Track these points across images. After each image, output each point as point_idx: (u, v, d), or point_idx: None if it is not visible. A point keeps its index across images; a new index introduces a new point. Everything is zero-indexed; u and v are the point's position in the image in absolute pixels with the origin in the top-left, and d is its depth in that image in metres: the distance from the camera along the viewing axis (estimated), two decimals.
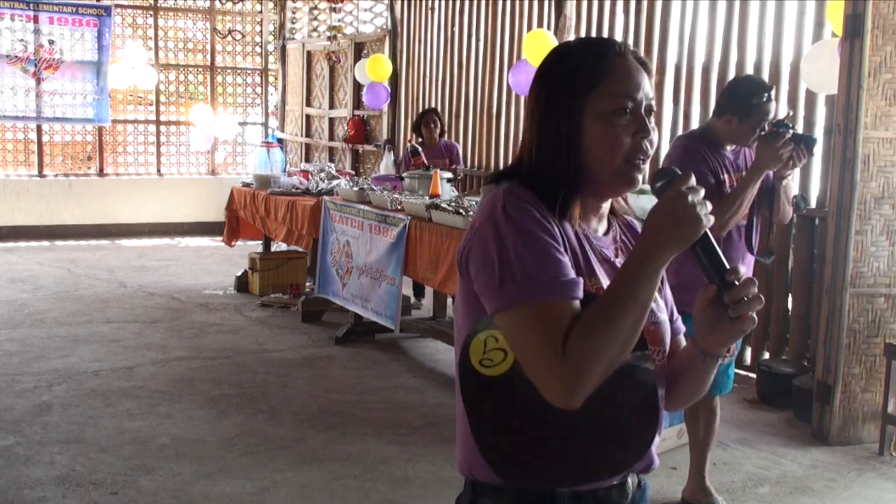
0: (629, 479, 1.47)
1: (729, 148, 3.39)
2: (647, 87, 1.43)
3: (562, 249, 1.35)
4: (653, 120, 1.43)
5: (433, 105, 9.02)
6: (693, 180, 1.29)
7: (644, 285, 1.27)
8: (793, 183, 3.40)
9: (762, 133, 3.27)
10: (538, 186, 1.41)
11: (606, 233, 1.51)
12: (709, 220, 1.28)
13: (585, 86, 1.40)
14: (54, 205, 10.74)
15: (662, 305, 1.51)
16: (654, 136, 1.43)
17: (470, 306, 1.42)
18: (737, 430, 4.58)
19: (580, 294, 1.32)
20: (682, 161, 3.28)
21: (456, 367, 1.48)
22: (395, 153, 9.52)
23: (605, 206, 1.51)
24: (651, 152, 1.42)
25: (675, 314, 1.62)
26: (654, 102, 1.45)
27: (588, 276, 1.40)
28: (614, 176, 1.41)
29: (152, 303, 7.20)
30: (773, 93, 3.35)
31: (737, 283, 1.32)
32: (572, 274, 1.33)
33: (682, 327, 1.63)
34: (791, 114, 3.52)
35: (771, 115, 3.30)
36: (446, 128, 7.25)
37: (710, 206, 1.28)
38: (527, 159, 1.46)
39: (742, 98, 3.30)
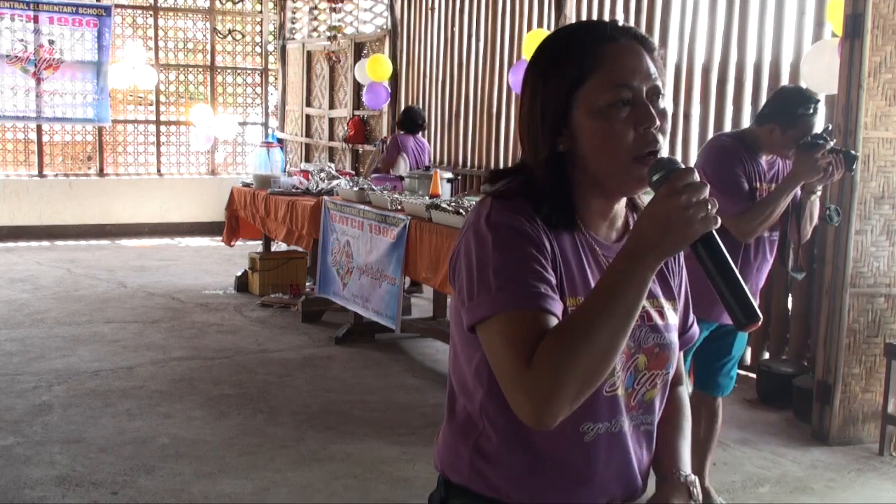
0: None
1: (764, 158, 3.32)
2: (648, 68, 1.28)
3: (546, 264, 1.25)
4: (662, 102, 1.28)
5: (434, 105, 9.03)
6: (695, 176, 1.15)
7: (627, 292, 1.16)
8: (818, 202, 3.36)
9: (801, 143, 3.22)
10: (532, 190, 1.31)
11: (621, 238, 1.38)
12: (708, 223, 1.14)
13: (573, 81, 1.28)
14: (54, 205, 10.74)
15: (672, 323, 1.40)
16: (666, 121, 1.28)
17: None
18: (737, 430, 4.58)
19: (557, 311, 1.22)
20: (720, 159, 3.23)
21: (454, 373, 1.42)
22: None
23: (618, 207, 1.37)
24: (663, 142, 1.27)
25: (691, 319, 1.52)
26: (660, 82, 1.29)
27: (584, 293, 1.29)
28: (622, 176, 1.28)
29: (152, 303, 7.20)
30: (819, 105, 3.28)
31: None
32: (553, 291, 1.23)
33: (695, 335, 1.52)
34: (831, 127, 3.48)
35: (815, 129, 3.23)
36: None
37: (714, 207, 1.15)
38: (525, 160, 1.36)
39: (787, 108, 3.22)
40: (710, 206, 1.15)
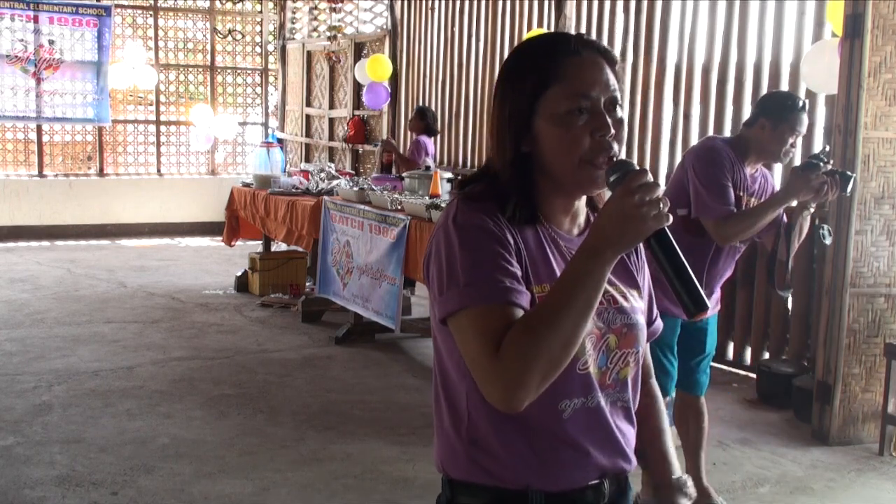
0: (606, 481, 1.46)
1: (749, 170, 3.35)
2: (607, 80, 1.38)
3: (511, 259, 1.34)
4: (619, 112, 1.38)
5: (434, 105, 9.03)
6: (649, 177, 1.25)
7: (586, 285, 1.25)
8: (809, 219, 3.36)
9: (796, 166, 3.24)
10: (497, 191, 1.40)
11: (582, 232, 1.48)
12: (660, 220, 1.24)
13: (536, 88, 1.38)
14: (54, 205, 10.73)
15: (638, 307, 1.49)
16: (622, 129, 1.38)
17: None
18: (737, 430, 4.58)
19: (524, 303, 1.31)
20: (712, 160, 3.25)
21: (436, 368, 1.48)
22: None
23: (579, 204, 1.48)
24: (616, 149, 1.37)
25: (655, 313, 1.61)
26: (618, 93, 1.39)
27: (549, 281, 1.38)
28: (577, 177, 1.38)
29: (152, 303, 7.20)
30: (806, 103, 3.32)
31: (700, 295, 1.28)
32: (518, 284, 1.32)
33: (659, 328, 1.62)
34: (828, 148, 3.50)
35: (803, 127, 3.28)
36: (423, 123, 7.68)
37: (665, 206, 1.24)
38: (492, 161, 1.46)
39: (777, 104, 3.29)
40: (661, 205, 1.24)
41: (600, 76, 1.37)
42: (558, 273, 1.39)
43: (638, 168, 1.28)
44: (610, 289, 1.43)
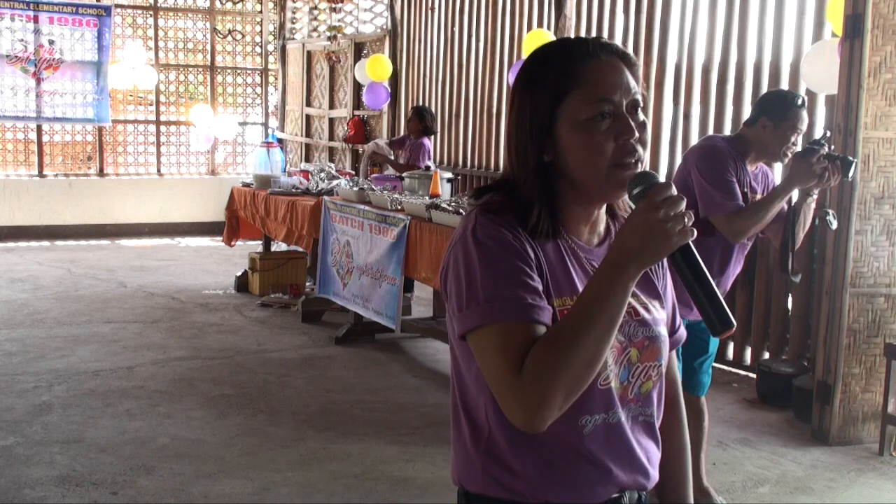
0: (626, 494, 1.42)
1: (750, 168, 3.36)
2: (627, 82, 1.35)
3: (532, 273, 1.30)
4: (641, 114, 1.35)
5: (434, 105, 9.03)
6: (672, 190, 1.22)
7: (610, 302, 1.22)
8: (813, 206, 3.36)
9: (797, 152, 3.25)
10: (517, 202, 1.37)
11: (602, 242, 1.45)
12: (685, 235, 1.21)
13: (555, 95, 1.34)
14: (54, 205, 10.74)
15: (660, 318, 1.45)
16: (645, 132, 1.35)
17: None
18: (737, 430, 4.58)
19: (545, 319, 1.28)
20: (715, 158, 3.25)
21: (454, 380, 1.46)
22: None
23: (599, 213, 1.44)
24: (642, 152, 1.34)
25: (678, 322, 1.56)
26: (639, 96, 1.36)
27: (570, 294, 1.35)
28: (603, 183, 1.35)
29: (152, 303, 7.20)
30: (806, 101, 3.33)
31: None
32: (540, 299, 1.29)
33: (682, 337, 1.58)
34: (829, 134, 3.50)
35: (804, 125, 3.28)
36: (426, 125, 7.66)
37: (690, 220, 1.21)
38: (510, 171, 1.41)
39: (776, 103, 3.29)
40: (686, 219, 1.21)
41: (620, 79, 1.35)
42: (579, 286, 1.36)
43: (661, 181, 1.25)
44: (631, 300, 1.37)
